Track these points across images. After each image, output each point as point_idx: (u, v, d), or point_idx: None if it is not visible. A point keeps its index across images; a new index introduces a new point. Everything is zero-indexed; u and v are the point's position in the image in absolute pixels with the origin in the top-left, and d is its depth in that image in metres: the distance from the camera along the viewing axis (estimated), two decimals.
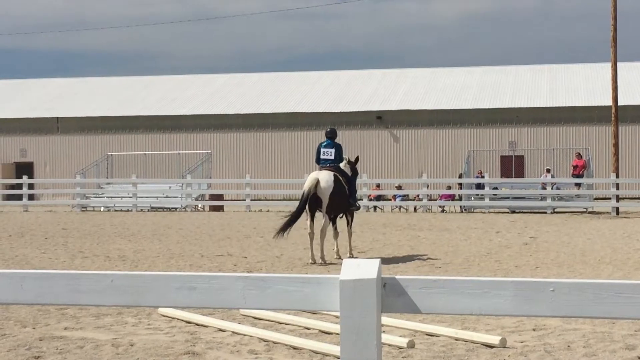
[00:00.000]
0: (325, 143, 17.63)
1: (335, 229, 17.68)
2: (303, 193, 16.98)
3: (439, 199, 38.51)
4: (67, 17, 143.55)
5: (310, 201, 16.80)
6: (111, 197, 39.42)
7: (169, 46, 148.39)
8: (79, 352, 8.59)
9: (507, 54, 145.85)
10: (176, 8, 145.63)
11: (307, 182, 17.03)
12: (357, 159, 18.21)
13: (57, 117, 56.48)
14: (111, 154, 47.89)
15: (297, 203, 17.58)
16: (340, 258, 17.33)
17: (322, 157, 17.47)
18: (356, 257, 16.84)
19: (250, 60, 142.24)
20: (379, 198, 39.38)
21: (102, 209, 38.00)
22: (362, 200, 32.93)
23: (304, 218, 17.09)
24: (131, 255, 18.29)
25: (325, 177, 16.86)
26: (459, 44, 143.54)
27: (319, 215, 17.20)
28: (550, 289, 3.47)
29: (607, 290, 3.44)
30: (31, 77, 66.45)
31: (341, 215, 17.68)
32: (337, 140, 17.91)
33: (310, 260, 16.83)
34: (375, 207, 37.63)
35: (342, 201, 17.18)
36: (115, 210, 37.21)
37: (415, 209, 37.80)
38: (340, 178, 17.08)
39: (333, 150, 17.44)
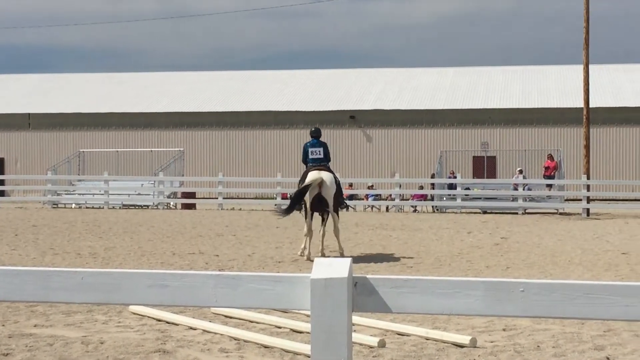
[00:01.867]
0: (311, 142, 17.77)
1: (324, 228, 17.79)
2: (305, 186, 16.90)
3: (412, 198, 38.60)
4: (42, 12, 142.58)
5: (314, 201, 16.93)
6: (83, 194, 39.20)
7: (143, 43, 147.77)
8: (48, 349, 8.54)
9: (480, 55, 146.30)
10: (151, 5, 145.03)
11: (310, 178, 16.99)
12: None
13: (29, 114, 56.07)
14: (83, 151, 47.62)
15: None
16: (323, 256, 17.42)
17: (311, 156, 17.58)
18: (328, 257, 16.86)
19: (225, 58, 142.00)
20: (351, 197, 39.38)
21: (73, 205, 37.78)
22: None
23: (304, 217, 17.20)
24: (102, 252, 18.20)
25: (329, 178, 17.13)
26: (433, 45, 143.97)
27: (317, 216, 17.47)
28: (520, 290, 3.48)
29: (577, 290, 3.46)
30: (5, 72, 65.98)
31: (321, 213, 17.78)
32: (321, 139, 18.06)
33: (305, 257, 16.88)
34: (347, 207, 37.62)
35: (336, 202, 17.45)
36: (87, 207, 37.02)
37: (387, 208, 37.86)
38: (337, 179, 17.45)
39: (321, 149, 17.63)
